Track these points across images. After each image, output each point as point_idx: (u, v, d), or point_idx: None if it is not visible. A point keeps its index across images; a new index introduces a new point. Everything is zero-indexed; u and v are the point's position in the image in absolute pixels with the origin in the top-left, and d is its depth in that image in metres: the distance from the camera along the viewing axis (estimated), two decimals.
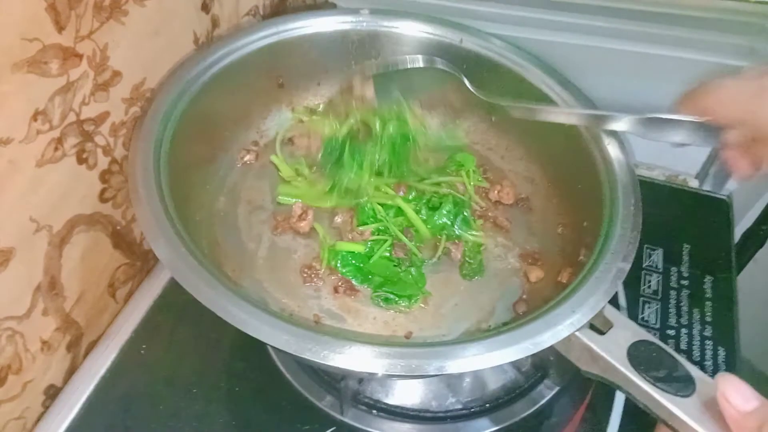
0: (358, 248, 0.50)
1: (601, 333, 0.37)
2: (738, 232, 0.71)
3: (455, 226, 0.53)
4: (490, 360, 0.35)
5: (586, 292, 0.38)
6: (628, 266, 0.40)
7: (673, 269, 0.59)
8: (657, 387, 0.34)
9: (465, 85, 0.53)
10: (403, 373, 0.34)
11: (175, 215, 0.41)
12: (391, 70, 0.55)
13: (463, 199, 0.54)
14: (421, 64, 0.55)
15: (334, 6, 0.63)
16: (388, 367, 0.34)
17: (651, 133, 0.44)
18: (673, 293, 0.57)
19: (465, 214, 0.53)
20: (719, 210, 0.66)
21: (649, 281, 0.58)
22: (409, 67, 0.55)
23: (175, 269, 0.37)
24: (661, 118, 0.43)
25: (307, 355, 0.34)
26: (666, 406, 0.33)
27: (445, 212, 0.53)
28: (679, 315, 0.55)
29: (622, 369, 0.35)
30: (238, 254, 0.50)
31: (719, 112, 0.40)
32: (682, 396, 0.33)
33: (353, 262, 0.50)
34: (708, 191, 0.69)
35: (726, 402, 0.30)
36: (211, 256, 0.47)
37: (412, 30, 0.59)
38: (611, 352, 0.36)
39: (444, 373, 0.34)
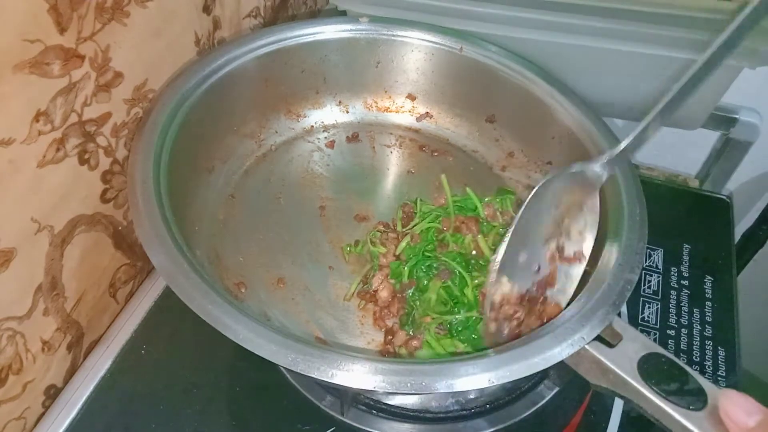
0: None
1: (611, 346, 0.36)
2: (738, 232, 0.71)
3: None
4: (501, 376, 0.34)
5: (595, 305, 0.38)
6: (636, 278, 0.40)
7: (673, 269, 0.59)
8: (669, 400, 0.33)
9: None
10: (412, 392, 0.33)
11: (175, 227, 0.41)
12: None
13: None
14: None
15: (335, 13, 0.63)
16: (398, 385, 0.33)
17: None
18: (673, 293, 0.57)
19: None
20: (719, 210, 0.66)
21: (649, 281, 0.58)
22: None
23: (177, 286, 0.37)
24: None
25: (315, 374, 0.34)
26: (678, 419, 0.33)
27: None
28: (679, 315, 0.56)
29: (633, 382, 0.34)
30: (239, 266, 0.50)
31: None
32: (694, 409, 0.33)
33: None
34: (708, 191, 0.69)
35: (729, 420, 0.30)
36: (211, 268, 0.47)
37: (412, 38, 0.59)
38: (621, 365, 0.35)
39: (453, 390, 0.34)
